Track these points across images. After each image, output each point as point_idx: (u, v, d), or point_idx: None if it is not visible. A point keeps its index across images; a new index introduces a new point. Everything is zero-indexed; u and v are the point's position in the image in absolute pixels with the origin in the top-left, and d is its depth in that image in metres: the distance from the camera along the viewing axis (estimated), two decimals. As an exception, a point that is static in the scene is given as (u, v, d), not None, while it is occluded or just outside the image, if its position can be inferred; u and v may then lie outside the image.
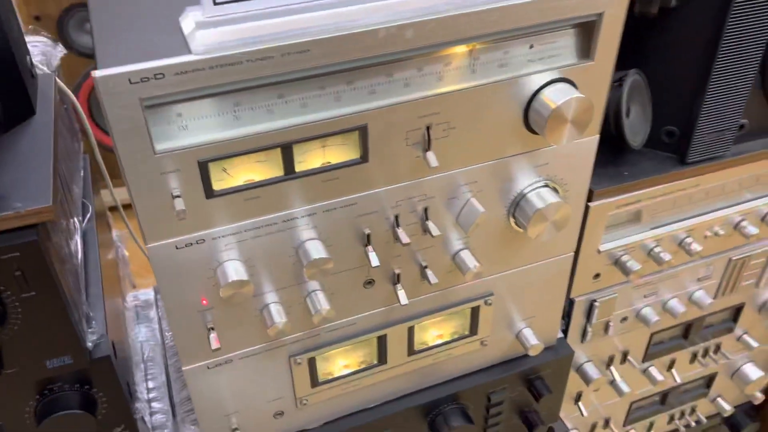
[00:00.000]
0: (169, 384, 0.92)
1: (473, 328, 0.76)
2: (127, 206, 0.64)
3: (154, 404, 0.92)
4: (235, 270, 0.56)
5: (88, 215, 0.81)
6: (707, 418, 1.13)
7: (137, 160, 0.49)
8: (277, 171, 0.55)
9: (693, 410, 1.12)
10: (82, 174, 0.86)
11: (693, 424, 1.13)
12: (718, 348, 1.03)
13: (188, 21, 0.48)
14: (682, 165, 0.77)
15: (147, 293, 1.11)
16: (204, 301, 0.59)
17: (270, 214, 0.56)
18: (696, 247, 0.82)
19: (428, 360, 0.76)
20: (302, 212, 0.58)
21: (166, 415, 0.90)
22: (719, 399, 1.11)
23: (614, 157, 0.77)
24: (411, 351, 0.74)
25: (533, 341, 0.78)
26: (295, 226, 0.58)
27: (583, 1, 0.55)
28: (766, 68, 0.72)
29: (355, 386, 0.73)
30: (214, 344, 0.60)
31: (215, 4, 0.47)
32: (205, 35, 0.47)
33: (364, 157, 0.57)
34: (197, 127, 0.50)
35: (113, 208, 1.02)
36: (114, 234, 1.04)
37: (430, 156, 0.58)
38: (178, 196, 0.51)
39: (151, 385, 0.95)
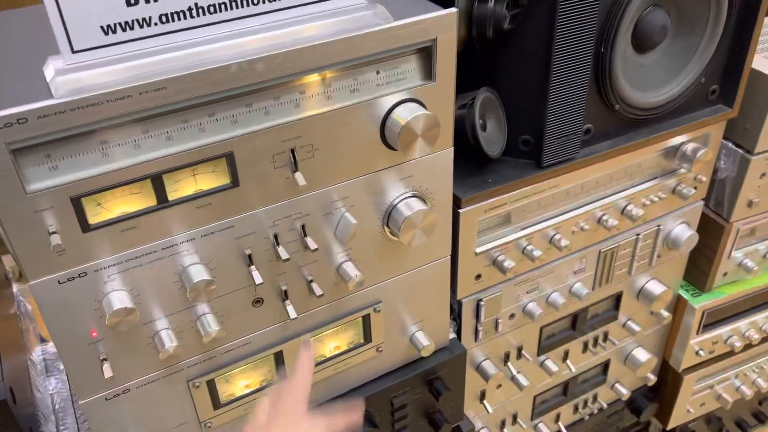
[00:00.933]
0: (79, 430, 0.92)
1: (367, 336, 0.81)
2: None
3: (68, 455, 0.92)
4: (119, 299, 0.59)
5: (-19, 269, 0.81)
6: (609, 404, 1.22)
7: (9, 201, 0.52)
8: (151, 201, 0.59)
9: (595, 398, 1.20)
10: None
11: (596, 411, 1.21)
12: (606, 336, 1.11)
13: (50, 69, 0.52)
14: (539, 169, 0.85)
15: (55, 346, 1.10)
16: (93, 333, 0.62)
17: (149, 243, 0.60)
18: (564, 242, 0.91)
19: (329, 371, 0.80)
20: (181, 238, 0.62)
21: (79, 464, 0.90)
22: (617, 385, 1.20)
23: (478, 167, 0.85)
24: (309, 364, 0.78)
25: (425, 342, 0.83)
26: (176, 252, 0.62)
27: (416, 30, 0.62)
28: (598, 77, 0.82)
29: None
30: (108, 373, 0.62)
31: (74, 52, 0.52)
32: (65, 80, 0.51)
33: (234, 182, 0.61)
34: (67, 166, 0.54)
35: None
36: (15, 288, 1.04)
37: (298, 176, 0.63)
38: (54, 233, 0.54)
39: (63, 436, 0.95)
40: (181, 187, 0.60)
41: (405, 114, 0.65)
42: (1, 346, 0.73)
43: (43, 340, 1.15)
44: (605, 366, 1.17)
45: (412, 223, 0.71)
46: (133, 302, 0.60)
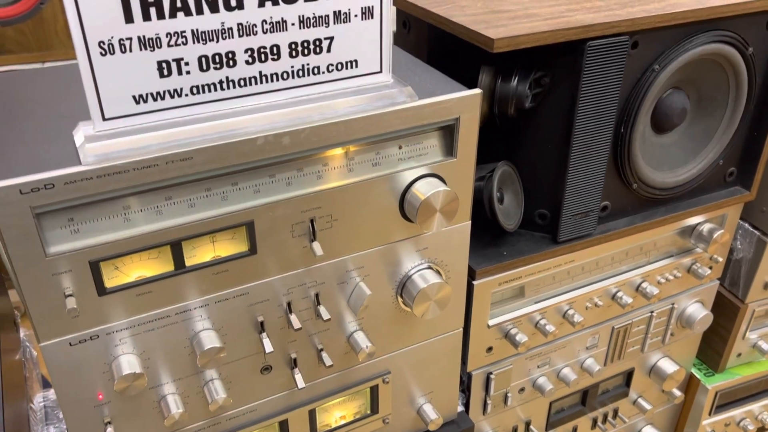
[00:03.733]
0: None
1: (374, 407, 0.79)
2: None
3: None
4: (128, 363, 0.59)
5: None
6: (617, 482, 1.18)
7: (28, 264, 0.52)
8: (168, 266, 0.59)
9: (602, 476, 1.17)
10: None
11: (603, 489, 1.17)
12: (616, 413, 1.09)
13: (79, 134, 0.53)
14: (555, 244, 0.85)
15: (56, 393, 1.09)
16: (100, 396, 0.61)
17: (163, 308, 0.60)
18: (578, 317, 0.90)
19: (332, 441, 0.78)
20: (195, 304, 0.61)
21: None
22: (626, 463, 1.17)
23: (494, 239, 0.85)
24: (314, 434, 0.76)
25: (433, 416, 0.82)
26: (189, 317, 0.62)
27: (440, 109, 0.63)
28: (617, 156, 0.82)
29: (259, 473, 0.75)
30: (110, 438, 0.61)
31: (104, 120, 0.52)
32: (94, 147, 0.52)
33: (252, 250, 0.61)
34: (88, 230, 0.54)
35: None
36: (22, 333, 1.03)
37: (316, 246, 0.63)
38: (70, 295, 0.54)
39: (58, 489, 0.93)
40: (199, 253, 0.60)
41: (425, 189, 0.65)
42: (4, 392, 0.72)
43: (45, 385, 1.14)
44: (614, 443, 1.14)
45: (426, 295, 0.71)
46: (143, 366, 0.59)
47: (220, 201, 0.58)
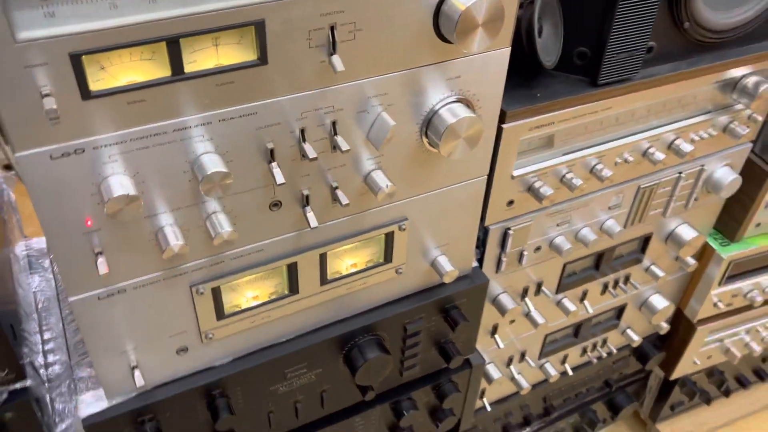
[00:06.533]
0: (65, 332, 0.85)
1: (388, 256, 0.74)
2: None
3: (50, 357, 0.86)
4: (120, 184, 0.51)
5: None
6: (618, 349, 1.17)
7: (-6, 49, 0.42)
8: (164, 71, 0.49)
9: (604, 342, 1.15)
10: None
11: (604, 355, 1.16)
12: (627, 279, 1.06)
13: None
14: (593, 87, 0.76)
15: (41, 241, 1.02)
16: (89, 222, 0.54)
17: (158, 122, 0.51)
18: (607, 172, 0.83)
19: (342, 290, 0.73)
20: (196, 121, 0.53)
21: (64, 366, 0.84)
22: (628, 330, 1.15)
23: (526, 79, 0.76)
24: (324, 280, 0.71)
25: (448, 268, 0.76)
26: (189, 136, 0.53)
27: None
28: (672, -12, 0.72)
29: (265, 318, 0.70)
30: (103, 269, 0.54)
31: None
32: None
33: (262, 59, 0.52)
34: (66, 13, 0.44)
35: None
36: (-1, 175, 0.95)
37: (335, 60, 0.54)
38: (48, 95, 0.45)
39: (47, 336, 0.88)
40: (200, 59, 0.50)
41: (465, -1, 0.55)
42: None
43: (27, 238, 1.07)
44: (620, 310, 1.12)
45: (455, 131, 0.63)
46: (137, 190, 0.52)
47: (225, -8, 0.48)
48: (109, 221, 0.54)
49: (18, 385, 0.67)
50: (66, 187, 0.51)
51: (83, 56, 0.45)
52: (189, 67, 0.50)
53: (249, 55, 0.52)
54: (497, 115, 0.69)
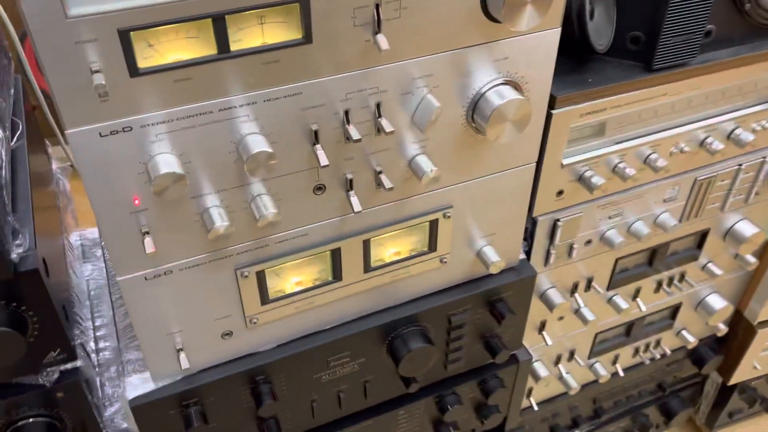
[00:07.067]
0: (115, 316, 0.87)
1: (432, 244, 0.72)
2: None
3: (101, 342, 0.88)
4: (166, 162, 0.51)
5: (18, 133, 0.75)
6: (672, 351, 1.13)
7: (48, 25, 0.43)
8: (210, 49, 0.50)
9: (658, 343, 1.11)
10: (12, 92, 0.80)
11: (658, 356, 1.12)
12: (682, 276, 1.01)
13: None
14: (648, 72, 0.74)
15: (94, 232, 1.05)
16: (136, 201, 0.54)
17: (204, 101, 0.52)
18: (661, 163, 0.80)
19: (386, 278, 0.72)
20: (241, 101, 0.53)
21: (114, 352, 0.86)
22: (684, 331, 1.10)
23: (577, 65, 0.74)
24: (367, 267, 0.70)
25: (494, 258, 0.75)
26: (234, 116, 0.53)
27: None
28: (733, -33, 0.69)
29: (309, 305, 0.69)
30: (149, 248, 0.55)
31: None
32: None
33: (307, 38, 0.52)
34: (116, -10, 0.45)
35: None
36: (55, 166, 0.98)
37: (380, 38, 0.53)
38: (97, 71, 0.46)
39: (98, 323, 0.90)
40: (245, 37, 0.50)
41: (514, -26, 0.54)
42: (36, 216, 0.67)
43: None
44: (675, 310, 1.07)
45: (502, 114, 0.61)
46: (183, 169, 0.52)
47: (270, -30, 0.48)
48: (156, 200, 0.55)
49: (69, 366, 0.68)
50: (114, 165, 0.52)
51: (131, 32, 0.46)
52: (235, 46, 0.50)
53: (294, 34, 0.52)
54: (546, 99, 0.67)
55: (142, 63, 0.48)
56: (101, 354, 0.85)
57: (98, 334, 0.88)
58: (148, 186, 0.53)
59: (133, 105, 0.49)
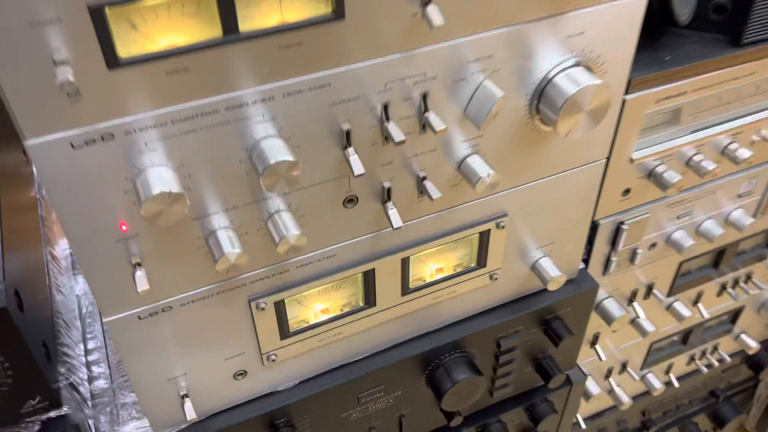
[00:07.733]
0: (107, 347, 0.76)
1: (481, 259, 0.61)
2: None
3: (95, 368, 0.77)
4: (159, 178, 0.40)
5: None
6: (730, 356, 1.02)
7: (-12, 0, 0.31)
8: (214, 31, 0.38)
9: (715, 348, 1.00)
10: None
11: (716, 363, 1.01)
12: (749, 278, 0.90)
13: None
14: (735, 47, 0.61)
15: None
16: (123, 227, 0.43)
17: (207, 98, 0.40)
18: (743, 153, 0.68)
19: (426, 300, 0.61)
20: (254, 96, 0.41)
21: (109, 381, 0.75)
22: (743, 335, 1.00)
23: (650, 40, 0.62)
24: (405, 289, 0.59)
25: (554, 273, 0.63)
26: (246, 116, 0.42)
27: None
28: None
29: (336, 336, 0.58)
30: (142, 285, 0.43)
31: None
32: None
33: (338, 12, 0.40)
34: (82, -50, 0.33)
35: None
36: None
37: (432, 11, 0.41)
38: (62, 62, 0.34)
39: (91, 345, 0.79)
40: (258, 14, 0.38)
41: (603, -75, 0.41)
42: (5, 239, 0.55)
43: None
44: (736, 314, 0.96)
45: (576, 104, 0.49)
46: (182, 185, 0.40)
47: None
48: (148, 225, 0.43)
49: (53, 414, 0.57)
50: (92, 183, 0.40)
51: (107, 8, 0.34)
52: (245, 25, 0.38)
53: (321, 8, 0.40)
54: (624, 83, 0.55)
55: (124, 50, 0.36)
56: (94, 383, 0.74)
57: (91, 357, 0.77)
58: (138, 207, 0.41)
59: (113, 106, 0.37)
